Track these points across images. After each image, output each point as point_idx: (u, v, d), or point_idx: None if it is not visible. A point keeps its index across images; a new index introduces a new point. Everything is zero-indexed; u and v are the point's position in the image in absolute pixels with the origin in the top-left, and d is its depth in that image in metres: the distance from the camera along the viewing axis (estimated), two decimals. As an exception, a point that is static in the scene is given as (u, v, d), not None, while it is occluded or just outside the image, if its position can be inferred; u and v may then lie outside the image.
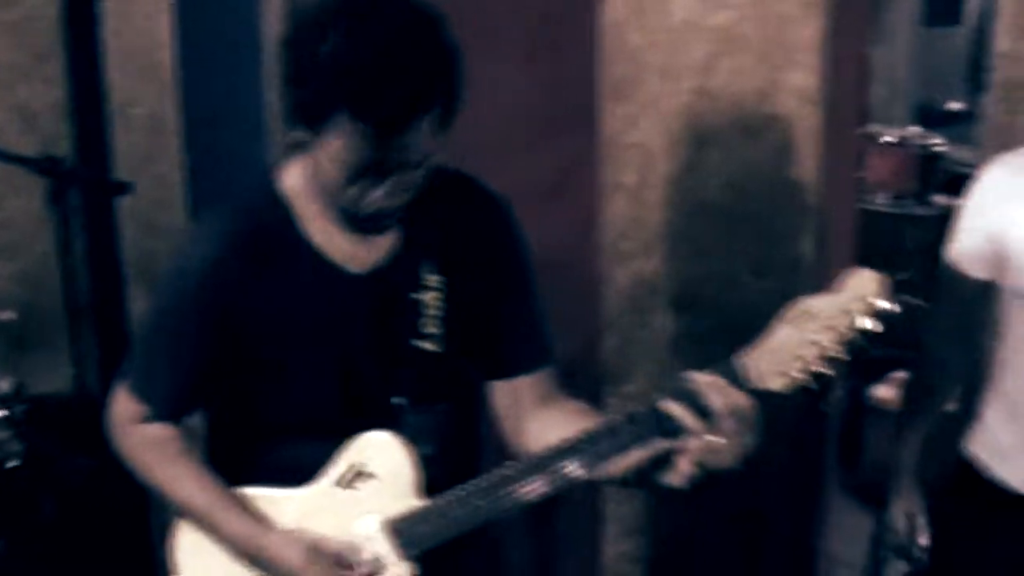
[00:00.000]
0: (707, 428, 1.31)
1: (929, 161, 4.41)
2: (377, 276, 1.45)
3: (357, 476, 1.47)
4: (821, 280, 2.50)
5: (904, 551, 2.18)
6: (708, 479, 1.35)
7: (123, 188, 2.50)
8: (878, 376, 3.64)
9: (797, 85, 2.38)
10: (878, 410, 3.60)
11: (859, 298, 1.36)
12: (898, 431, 2.20)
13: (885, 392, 3.68)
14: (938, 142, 4.46)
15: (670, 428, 1.33)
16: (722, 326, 2.38)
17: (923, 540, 2.16)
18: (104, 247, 2.79)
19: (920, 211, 4.27)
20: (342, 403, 1.49)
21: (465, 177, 1.52)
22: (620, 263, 2.20)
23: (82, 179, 2.60)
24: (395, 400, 1.47)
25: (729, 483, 1.39)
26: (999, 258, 1.97)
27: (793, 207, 2.43)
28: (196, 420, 1.58)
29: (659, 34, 2.15)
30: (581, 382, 2.03)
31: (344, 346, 1.47)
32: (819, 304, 1.37)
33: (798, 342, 1.36)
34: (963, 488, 2.13)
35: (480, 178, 1.53)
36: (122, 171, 2.72)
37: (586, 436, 1.37)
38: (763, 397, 1.34)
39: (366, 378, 1.48)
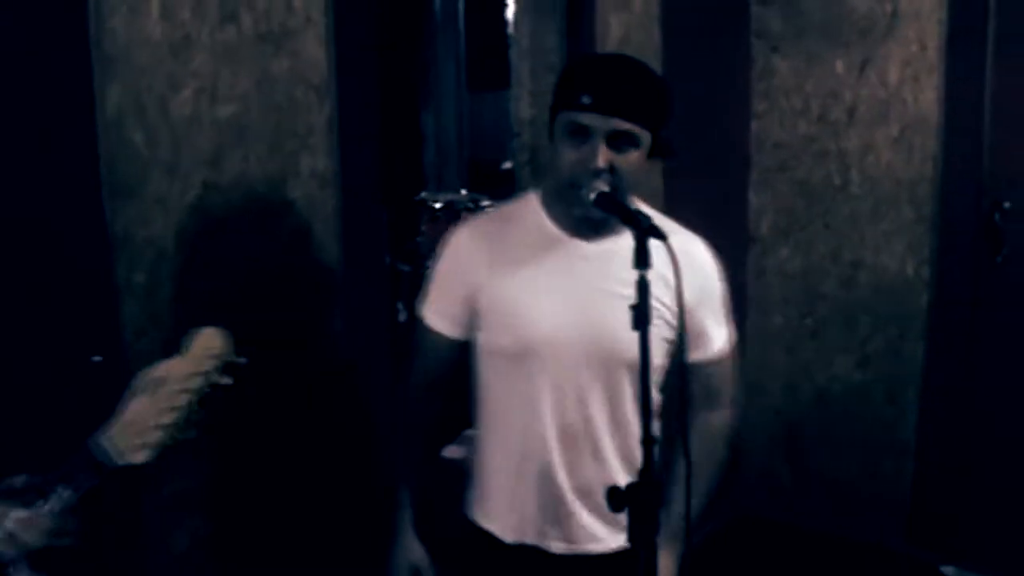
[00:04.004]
0: None
1: (481, 223, 4.79)
2: None
3: None
4: (355, 363, 2.73)
5: None
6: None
7: None
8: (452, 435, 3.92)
9: (312, 169, 2.58)
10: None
11: (209, 356, 1.54)
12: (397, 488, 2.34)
13: (454, 452, 3.97)
14: (488, 204, 4.85)
15: None
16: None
17: None
18: None
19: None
20: None
21: None
22: (143, 363, 2.26)
23: None
24: None
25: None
26: (470, 318, 2.19)
27: (319, 290, 2.62)
28: None
29: (161, 131, 2.26)
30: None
31: None
32: (170, 369, 1.54)
33: (156, 411, 1.51)
34: (468, 541, 2.31)
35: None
36: None
37: None
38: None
39: None
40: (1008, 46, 3.98)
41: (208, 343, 1.55)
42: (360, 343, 2.73)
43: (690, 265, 2.13)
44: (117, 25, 2.16)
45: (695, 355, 2.24)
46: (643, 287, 1.85)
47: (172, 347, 2.29)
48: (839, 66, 4.32)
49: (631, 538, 1.87)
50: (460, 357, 2.25)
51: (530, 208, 2.21)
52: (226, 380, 1.53)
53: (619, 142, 2.02)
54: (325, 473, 2.65)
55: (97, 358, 2.19)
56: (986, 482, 4.20)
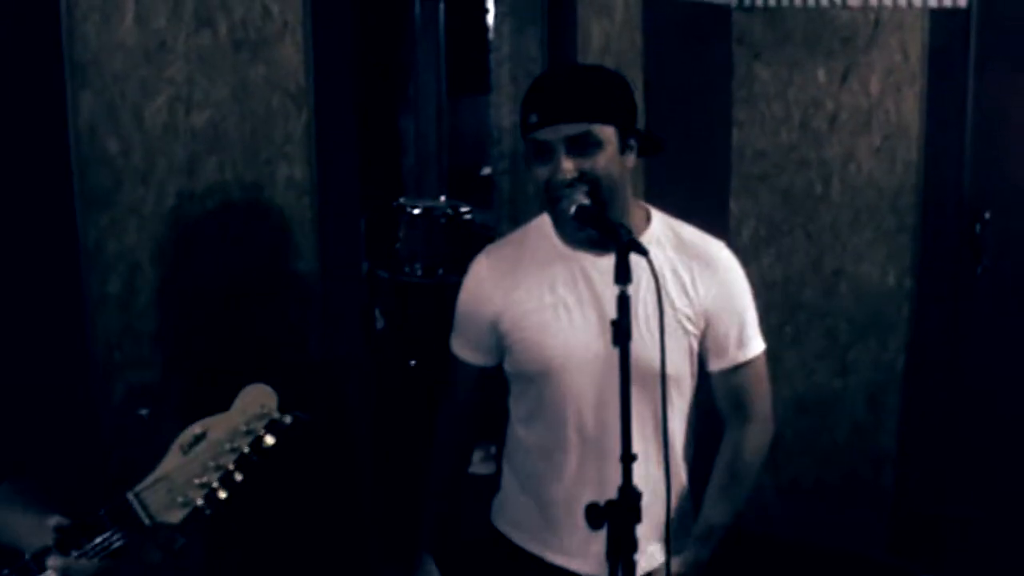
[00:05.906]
0: None
1: (459, 229, 4.77)
2: None
3: None
4: (332, 372, 2.70)
5: None
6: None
7: None
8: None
9: (289, 177, 2.54)
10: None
11: (256, 415, 1.44)
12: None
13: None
14: (465, 210, 4.84)
15: None
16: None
17: None
18: None
19: (454, 278, 4.54)
20: None
21: None
22: (115, 376, 2.23)
23: None
24: None
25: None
26: (495, 344, 2.19)
27: (296, 299, 2.58)
28: None
29: (135, 138, 2.22)
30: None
31: None
32: (215, 426, 1.44)
33: (198, 469, 1.41)
34: (496, 556, 2.30)
35: None
36: None
37: None
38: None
39: None
40: (990, 57, 3.98)
41: (256, 401, 1.46)
42: (337, 350, 2.70)
43: (706, 269, 2.15)
44: (89, 30, 2.12)
45: (719, 363, 2.23)
46: (623, 302, 1.83)
47: (150, 359, 2.27)
48: (821, 74, 4.31)
49: (609, 554, 1.85)
50: (490, 383, 2.28)
51: (542, 230, 2.20)
52: (270, 440, 1.45)
53: (581, 147, 2.00)
54: (304, 480, 2.61)
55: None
56: (967, 491, 4.19)
